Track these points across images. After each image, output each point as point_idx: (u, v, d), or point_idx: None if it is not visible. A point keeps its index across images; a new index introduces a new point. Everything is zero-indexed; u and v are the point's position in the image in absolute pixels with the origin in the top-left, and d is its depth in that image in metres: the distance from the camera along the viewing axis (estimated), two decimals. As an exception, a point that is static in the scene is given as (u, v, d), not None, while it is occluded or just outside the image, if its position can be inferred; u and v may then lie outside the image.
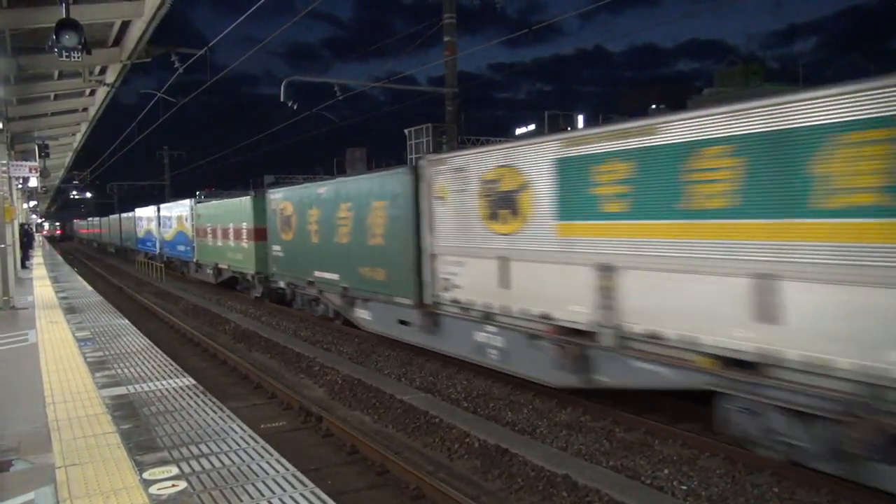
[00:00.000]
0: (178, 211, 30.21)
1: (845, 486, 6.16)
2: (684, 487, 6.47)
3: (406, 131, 27.33)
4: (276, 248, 18.11)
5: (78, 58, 8.75)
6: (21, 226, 27.33)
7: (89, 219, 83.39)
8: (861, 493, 6.03)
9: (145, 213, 38.25)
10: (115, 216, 54.80)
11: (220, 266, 23.94)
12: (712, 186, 6.70)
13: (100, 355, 9.28)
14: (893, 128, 5.35)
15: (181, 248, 29.65)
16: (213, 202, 26.01)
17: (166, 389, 7.28)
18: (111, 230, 56.50)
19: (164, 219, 32.73)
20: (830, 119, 5.72)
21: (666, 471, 6.84)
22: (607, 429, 8.21)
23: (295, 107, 20.32)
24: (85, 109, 21.60)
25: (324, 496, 4.34)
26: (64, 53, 8.63)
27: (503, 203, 9.52)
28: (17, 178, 21.72)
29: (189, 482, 4.63)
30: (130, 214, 44.64)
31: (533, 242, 9.05)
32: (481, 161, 9.98)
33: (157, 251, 34.86)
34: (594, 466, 6.94)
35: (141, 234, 39.84)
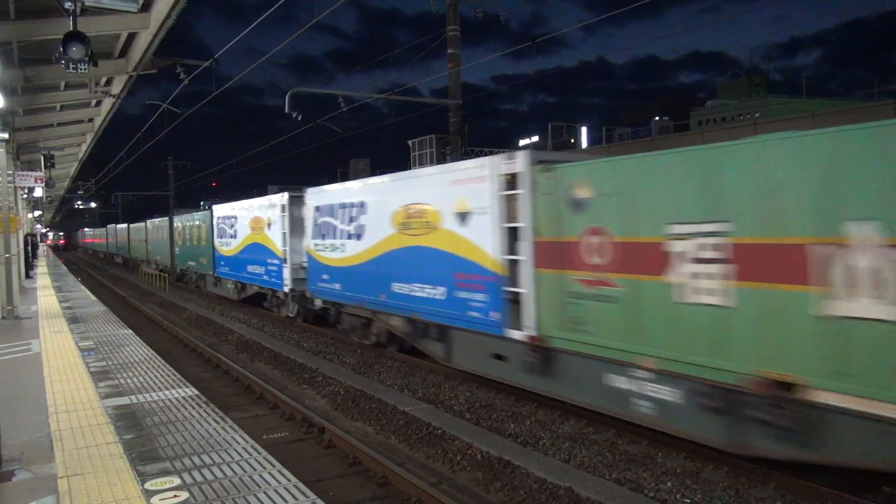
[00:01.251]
0: (422, 191, 11.36)
1: (849, 499, 6.12)
2: (688, 500, 6.44)
3: (409, 142, 27.41)
4: None
5: (84, 69, 8.83)
6: (25, 236, 27.47)
7: (110, 226, 66.06)
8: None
9: (249, 210, 20.49)
10: (160, 220, 35.99)
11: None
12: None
13: (103, 365, 9.30)
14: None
15: (431, 290, 11.16)
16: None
17: (169, 400, 7.29)
18: (151, 242, 38.01)
19: (328, 216, 14.83)
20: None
21: (669, 484, 6.81)
22: (610, 441, 8.18)
23: (299, 118, 20.48)
24: (91, 120, 21.79)
25: (325, 508, 4.33)
26: (71, 65, 8.72)
27: None
28: (23, 189, 21.90)
29: (191, 493, 4.63)
30: (197, 219, 27.48)
31: None
32: None
33: (286, 285, 17.54)
34: (597, 479, 6.91)
35: (229, 249, 22.60)
